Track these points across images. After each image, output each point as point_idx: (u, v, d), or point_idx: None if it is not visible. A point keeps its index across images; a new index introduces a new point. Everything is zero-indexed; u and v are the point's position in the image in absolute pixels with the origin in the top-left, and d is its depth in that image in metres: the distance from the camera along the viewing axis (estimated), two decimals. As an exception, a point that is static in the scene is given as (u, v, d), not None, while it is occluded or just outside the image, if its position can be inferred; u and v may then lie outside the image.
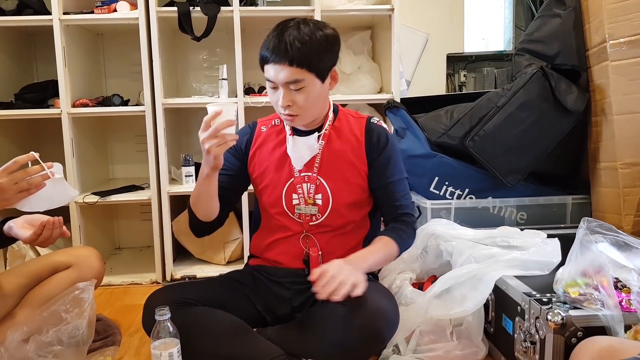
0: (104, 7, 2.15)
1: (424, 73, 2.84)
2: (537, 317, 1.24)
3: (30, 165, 1.21)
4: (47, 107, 2.21)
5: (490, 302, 1.47)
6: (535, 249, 1.50)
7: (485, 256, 1.50)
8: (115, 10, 2.14)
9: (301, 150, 1.41)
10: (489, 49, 3.04)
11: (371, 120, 1.45)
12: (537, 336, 1.24)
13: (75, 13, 2.14)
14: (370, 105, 2.40)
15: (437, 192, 2.05)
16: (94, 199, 2.17)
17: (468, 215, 2.02)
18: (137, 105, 2.26)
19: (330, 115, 1.43)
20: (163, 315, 1.16)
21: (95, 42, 2.56)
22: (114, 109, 2.20)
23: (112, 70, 2.62)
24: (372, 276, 1.57)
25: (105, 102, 2.23)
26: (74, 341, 1.35)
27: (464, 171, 2.02)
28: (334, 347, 1.25)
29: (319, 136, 1.41)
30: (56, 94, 2.15)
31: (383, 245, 1.36)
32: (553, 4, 2.07)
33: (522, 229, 1.72)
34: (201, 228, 1.42)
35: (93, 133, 2.47)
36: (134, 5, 2.14)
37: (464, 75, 2.87)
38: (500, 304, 1.44)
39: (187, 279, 2.26)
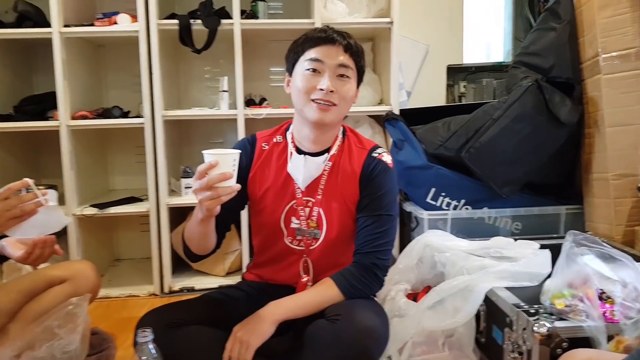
0: (105, 19, 2.15)
1: (424, 84, 2.84)
2: (524, 329, 1.24)
3: (24, 192, 1.19)
4: (47, 119, 2.20)
5: (482, 313, 1.47)
6: (526, 260, 1.51)
7: (476, 267, 1.51)
8: (115, 23, 2.14)
9: (311, 170, 1.33)
10: (489, 60, 3.06)
11: (372, 154, 1.35)
12: (524, 347, 1.24)
13: (76, 25, 2.15)
14: (370, 117, 2.41)
15: (434, 203, 2.06)
16: (92, 211, 2.16)
17: (464, 225, 2.03)
18: (137, 117, 2.25)
19: (340, 137, 1.38)
20: (145, 337, 1.07)
21: (96, 53, 2.56)
22: (113, 121, 2.20)
23: (113, 81, 2.60)
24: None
25: (105, 113, 2.23)
26: (66, 356, 1.31)
27: (460, 182, 2.03)
28: None
29: (327, 157, 1.35)
30: (56, 106, 2.13)
31: (318, 289, 1.28)
32: (549, 18, 2.09)
33: (516, 240, 1.73)
34: (197, 257, 1.35)
35: (92, 145, 2.46)
36: (134, 18, 2.14)
37: (464, 87, 2.88)
38: (491, 315, 1.44)
39: (185, 290, 2.26)
